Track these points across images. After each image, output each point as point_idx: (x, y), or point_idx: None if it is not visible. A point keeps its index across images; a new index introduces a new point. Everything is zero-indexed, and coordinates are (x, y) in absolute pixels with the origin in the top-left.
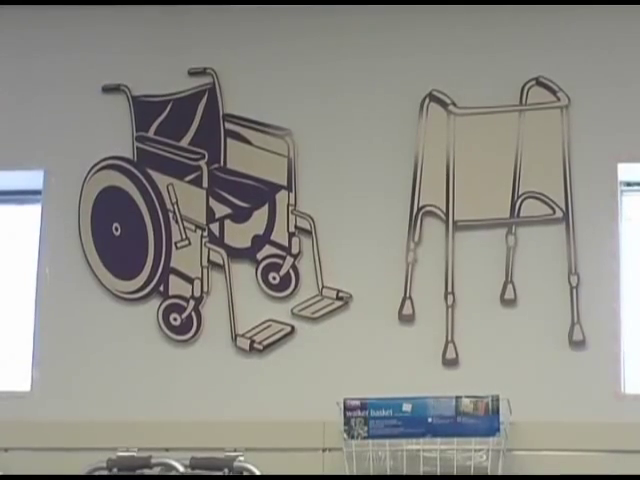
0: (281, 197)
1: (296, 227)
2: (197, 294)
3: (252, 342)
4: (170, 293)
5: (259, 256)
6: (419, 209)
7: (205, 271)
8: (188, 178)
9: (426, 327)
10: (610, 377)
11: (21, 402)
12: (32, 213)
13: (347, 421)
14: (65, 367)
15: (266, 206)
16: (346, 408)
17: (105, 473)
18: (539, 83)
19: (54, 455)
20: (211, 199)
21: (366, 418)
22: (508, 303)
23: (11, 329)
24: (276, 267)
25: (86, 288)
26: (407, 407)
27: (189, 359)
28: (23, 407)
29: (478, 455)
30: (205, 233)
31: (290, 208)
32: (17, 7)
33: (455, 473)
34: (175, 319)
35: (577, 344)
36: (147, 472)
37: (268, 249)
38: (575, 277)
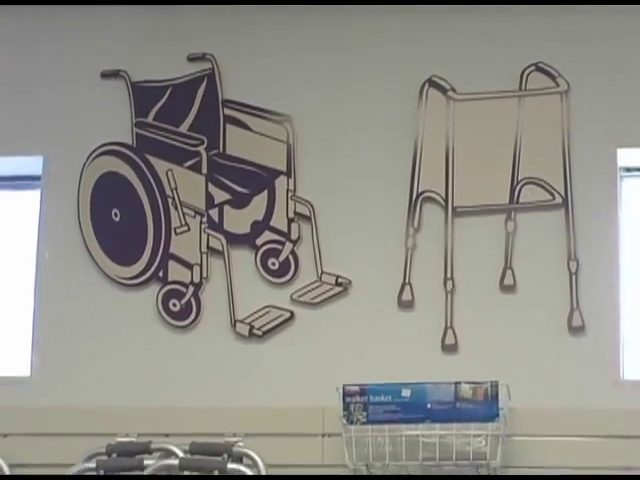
0: (280, 183)
1: (295, 213)
2: (196, 280)
3: (251, 328)
4: (169, 279)
5: (258, 242)
6: (418, 195)
7: (204, 257)
8: (187, 164)
9: (425, 313)
10: (609, 363)
11: (20, 387)
12: (31, 199)
13: (346, 407)
14: (64, 353)
15: (265, 192)
16: (345, 394)
17: (104, 458)
18: (538, 69)
19: (53, 440)
20: (210, 185)
21: (365, 404)
22: (507, 289)
23: (11, 314)
24: (275, 253)
25: (85, 274)
26: (406, 393)
27: (188, 345)
28: (22, 392)
29: (477, 440)
30: (204, 219)
31: (289, 194)
32: None
33: (454, 458)
34: (174, 305)
35: (576, 330)
36: (147, 457)
37: (267, 235)
38: (574, 263)
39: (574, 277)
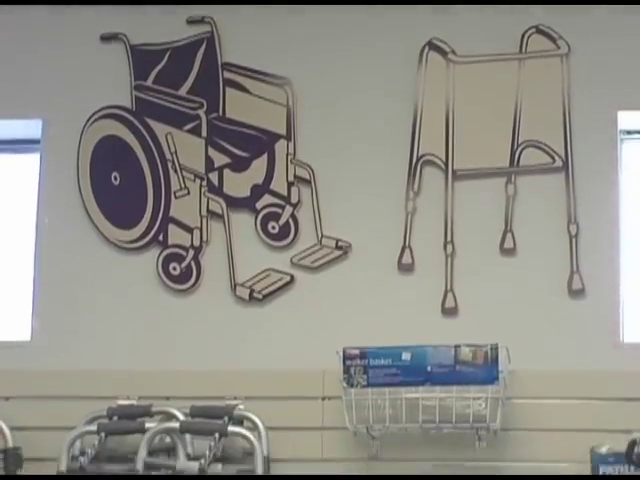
0: (280, 146)
1: (295, 176)
2: (196, 244)
3: (252, 291)
4: (169, 242)
5: (258, 205)
6: (418, 158)
7: (204, 221)
8: (187, 127)
9: (425, 276)
10: (609, 326)
11: (21, 351)
12: (31, 162)
13: (346, 370)
14: (65, 316)
15: (265, 155)
16: (345, 357)
17: (105, 421)
18: (539, 31)
19: (54, 403)
20: (210, 148)
21: (365, 367)
22: (507, 252)
23: (11, 279)
24: (275, 216)
25: (85, 237)
26: (406, 356)
27: (189, 308)
28: (23, 356)
29: (477, 403)
30: (204, 182)
31: (289, 157)
32: None
33: (454, 421)
34: (175, 268)
35: (576, 293)
36: (148, 420)
37: (267, 198)
38: (574, 226)
39: (574, 240)
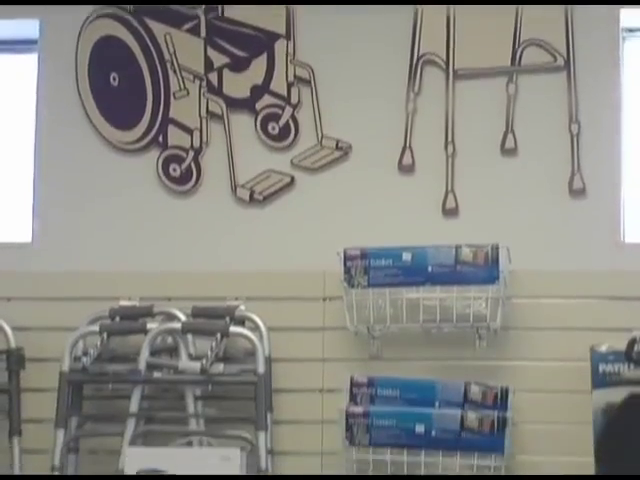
0: (280, 46)
1: (295, 77)
2: (196, 145)
3: (252, 193)
4: (169, 144)
5: (258, 106)
6: (419, 57)
7: (204, 121)
8: (185, 27)
9: (426, 177)
10: (610, 225)
11: (22, 253)
12: (29, 63)
13: (347, 270)
14: (65, 218)
15: (264, 55)
16: (346, 257)
17: (108, 322)
18: None
19: (56, 304)
20: (209, 48)
21: (366, 267)
22: (508, 152)
23: (10, 180)
24: (275, 117)
25: (84, 138)
26: (407, 256)
27: (189, 210)
28: (24, 258)
29: (477, 303)
30: (203, 83)
31: (289, 57)
32: None
33: (454, 321)
34: (175, 170)
35: (577, 193)
36: (149, 321)
37: (267, 99)
38: (576, 125)
39: (575, 140)
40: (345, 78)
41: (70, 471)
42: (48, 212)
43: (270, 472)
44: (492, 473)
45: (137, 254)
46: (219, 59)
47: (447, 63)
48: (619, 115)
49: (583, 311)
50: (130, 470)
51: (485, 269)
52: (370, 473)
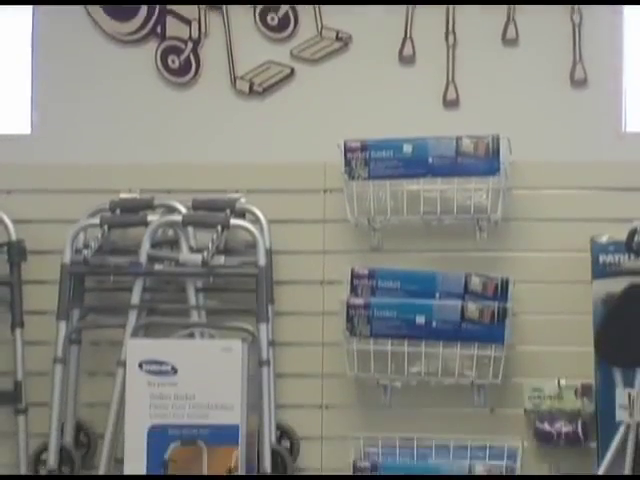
0: None
1: None
2: (195, 36)
3: (252, 84)
4: (167, 35)
5: None
6: None
7: (203, 12)
8: None
9: (427, 68)
10: (611, 115)
11: (22, 144)
12: None
13: (348, 162)
14: (64, 110)
15: None
16: (346, 149)
17: (108, 214)
18: None
19: (57, 197)
20: None
21: (366, 159)
22: (510, 42)
23: (9, 72)
24: (274, 7)
25: (83, 30)
26: (407, 148)
27: (188, 102)
28: (24, 150)
29: (478, 194)
30: None
31: None
32: None
33: (455, 212)
34: (173, 61)
35: (578, 83)
36: (150, 213)
37: None
38: (577, 15)
39: (577, 29)
40: None
41: (72, 362)
42: (48, 104)
43: (271, 363)
44: (492, 363)
45: (137, 146)
46: None
47: None
48: (621, 4)
49: (583, 202)
50: (132, 361)
51: (486, 160)
52: (371, 363)
